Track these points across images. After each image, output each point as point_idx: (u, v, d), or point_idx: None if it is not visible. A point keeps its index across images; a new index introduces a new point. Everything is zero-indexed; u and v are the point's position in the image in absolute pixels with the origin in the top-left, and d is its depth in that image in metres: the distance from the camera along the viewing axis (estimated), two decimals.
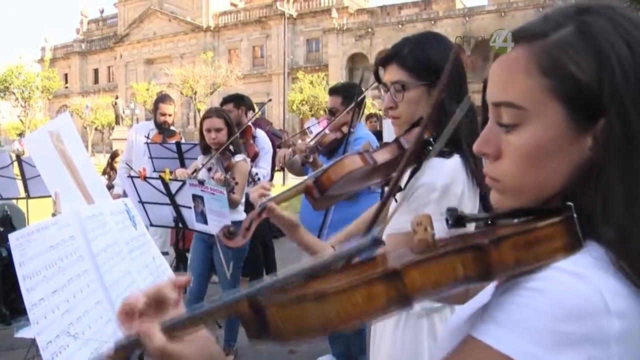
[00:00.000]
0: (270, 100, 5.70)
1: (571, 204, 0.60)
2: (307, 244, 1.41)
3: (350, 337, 3.23)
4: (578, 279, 0.56)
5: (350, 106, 3.18)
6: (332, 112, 3.35)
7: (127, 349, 0.63)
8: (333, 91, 3.46)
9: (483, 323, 0.59)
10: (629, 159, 0.60)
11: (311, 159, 3.07)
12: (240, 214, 3.57)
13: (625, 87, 0.60)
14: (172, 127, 5.00)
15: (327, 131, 3.36)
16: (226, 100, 4.84)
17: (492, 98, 0.69)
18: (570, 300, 0.55)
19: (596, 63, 0.61)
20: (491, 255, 0.58)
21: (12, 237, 1.18)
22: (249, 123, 4.54)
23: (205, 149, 3.55)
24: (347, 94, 3.35)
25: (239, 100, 4.79)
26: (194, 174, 3.38)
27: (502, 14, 34.44)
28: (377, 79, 1.54)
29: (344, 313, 0.57)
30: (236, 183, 3.25)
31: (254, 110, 4.95)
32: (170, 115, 4.94)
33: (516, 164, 0.66)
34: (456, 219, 0.67)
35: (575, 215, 0.59)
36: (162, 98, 5.07)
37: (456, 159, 1.36)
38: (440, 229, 0.67)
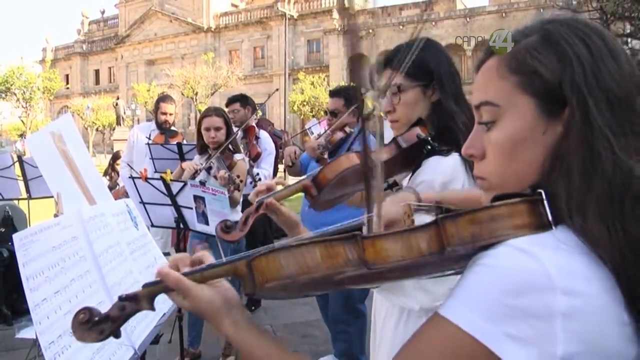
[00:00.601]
0: (277, 90, 5.70)
1: (541, 190, 0.66)
2: None
3: (352, 335, 3.24)
4: (526, 255, 0.61)
5: (352, 107, 3.22)
6: (333, 114, 3.37)
7: (152, 287, 0.75)
8: (334, 93, 3.50)
9: (446, 299, 0.65)
10: (588, 141, 0.66)
11: (326, 155, 3.11)
12: (238, 214, 3.57)
13: (583, 79, 0.67)
14: (173, 128, 5.01)
15: (329, 132, 3.38)
16: (232, 100, 4.84)
17: (474, 102, 0.77)
18: (515, 275, 0.60)
19: (558, 61, 0.69)
20: (447, 230, 0.64)
21: (16, 238, 1.19)
22: (253, 123, 4.54)
23: (202, 149, 3.54)
24: (349, 95, 3.39)
25: (245, 100, 4.80)
26: (196, 174, 3.38)
27: (503, 14, 34.42)
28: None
29: (303, 264, 0.67)
30: (241, 181, 3.25)
31: (255, 110, 4.96)
32: (171, 114, 4.94)
33: (497, 158, 0.74)
34: (443, 212, 0.73)
35: (545, 199, 0.65)
36: (163, 98, 5.09)
37: (455, 157, 1.39)
38: None
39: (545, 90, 0.69)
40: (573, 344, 0.58)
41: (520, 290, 0.59)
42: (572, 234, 0.64)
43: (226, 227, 1.30)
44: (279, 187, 1.35)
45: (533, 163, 0.70)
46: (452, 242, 0.64)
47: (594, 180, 0.64)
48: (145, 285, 0.76)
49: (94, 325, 0.71)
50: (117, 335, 0.74)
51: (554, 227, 0.64)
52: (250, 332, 0.75)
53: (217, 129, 3.42)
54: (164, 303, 1.18)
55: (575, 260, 0.61)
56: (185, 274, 0.75)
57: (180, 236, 3.68)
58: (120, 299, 0.74)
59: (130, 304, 0.74)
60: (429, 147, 1.40)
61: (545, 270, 0.59)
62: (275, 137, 5.26)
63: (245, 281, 0.71)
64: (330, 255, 0.66)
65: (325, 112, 3.64)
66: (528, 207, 0.65)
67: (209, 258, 0.79)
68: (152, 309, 0.76)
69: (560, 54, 0.69)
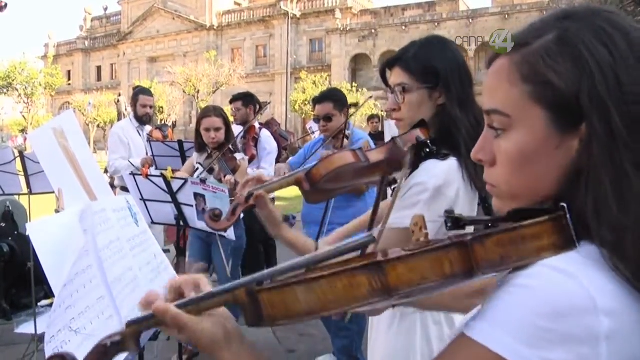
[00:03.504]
0: (269, 102, 5.75)
1: (564, 204, 0.61)
2: (289, 240, 1.41)
3: (354, 332, 3.25)
4: (565, 276, 0.57)
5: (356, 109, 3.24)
6: (327, 118, 3.34)
7: (140, 324, 0.68)
8: (320, 99, 3.45)
9: (474, 321, 0.61)
10: (615, 158, 0.61)
11: None
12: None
13: (606, 89, 0.61)
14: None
15: (331, 139, 3.40)
16: (235, 98, 4.84)
17: (484, 106, 0.71)
18: (555, 297, 0.56)
19: (575, 68, 0.62)
20: (475, 252, 0.61)
21: (30, 227, 1.19)
22: (256, 123, 4.54)
23: (201, 147, 3.54)
24: (336, 97, 3.40)
25: (248, 99, 4.79)
26: (196, 174, 3.39)
27: (506, 16, 34.40)
28: (384, 80, 1.56)
29: (324, 299, 0.61)
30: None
31: (262, 108, 4.95)
32: (151, 107, 4.85)
33: (505, 168, 0.69)
34: (454, 221, 0.69)
35: (568, 215, 0.60)
36: (142, 90, 5.00)
37: (451, 162, 1.38)
38: (433, 230, 0.69)
39: (560, 102, 0.63)
40: None
41: (560, 313, 0.55)
42: (595, 249, 0.61)
43: (215, 215, 1.32)
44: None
45: (545, 177, 0.66)
46: (481, 266, 0.61)
47: (628, 204, 0.60)
48: (130, 323, 0.67)
49: None
50: None
51: (577, 244, 0.61)
52: None
53: (217, 129, 3.42)
54: None
55: (605, 278, 0.58)
56: (180, 305, 0.68)
57: (180, 234, 3.68)
58: (101, 343, 0.66)
59: (113, 348, 0.66)
60: (427, 150, 1.40)
61: (586, 291, 0.56)
62: (281, 138, 5.26)
63: (247, 311, 0.65)
64: (352, 286, 0.61)
65: (316, 119, 3.53)
66: (554, 225, 0.61)
67: (205, 284, 0.73)
68: (138, 349, 0.69)
69: (578, 60, 0.62)
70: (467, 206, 1.41)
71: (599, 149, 0.61)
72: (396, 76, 1.48)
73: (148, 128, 4.95)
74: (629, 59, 0.62)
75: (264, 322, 0.64)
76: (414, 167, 1.42)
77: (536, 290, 0.57)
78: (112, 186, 4.94)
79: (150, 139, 4.62)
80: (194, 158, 3.63)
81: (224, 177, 3.33)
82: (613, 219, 0.60)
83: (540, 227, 0.61)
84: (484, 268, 0.61)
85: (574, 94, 0.62)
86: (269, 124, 5.15)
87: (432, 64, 1.44)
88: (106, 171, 6.40)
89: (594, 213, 0.61)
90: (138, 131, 4.81)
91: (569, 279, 0.57)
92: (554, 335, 0.55)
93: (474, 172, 1.36)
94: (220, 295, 0.67)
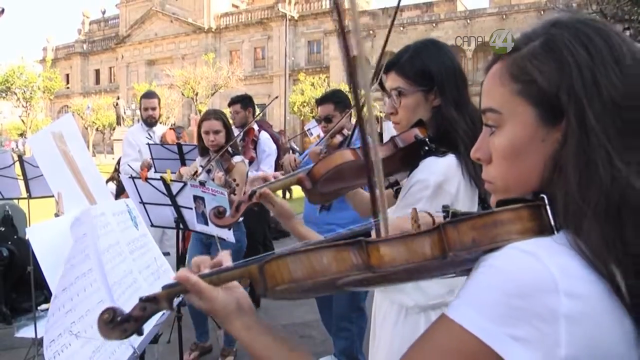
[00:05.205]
0: (277, 97, 5.76)
1: (543, 195, 0.67)
2: (301, 234, 1.44)
3: (354, 333, 3.25)
4: (530, 256, 0.61)
5: (348, 111, 3.26)
6: (327, 119, 3.40)
7: (170, 289, 0.79)
8: (322, 100, 3.51)
9: (453, 300, 0.66)
10: (587, 152, 0.65)
11: None
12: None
13: (582, 86, 0.66)
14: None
15: (328, 137, 3.41)
16: (234, 100, 4.85)
17: (482, 105, 0.78)
18: (519, 275, 0.60)
19: (557, 69, 0.68)
20: (449, 235, 0.67)
21: (29, 231, 1.19)
22: (255, 125, 4.54)
23: (203, 151, 3.58)
24: (338, 99, 3.44)
25: (247, 102, 4.80)
26: (195, 176, 3.39)
27: (504, 16, 34.42)
28: (381, 85, 1.58)
29: (311, 269, 0.69)
30: (237, 185, 3.26)
31: (255, 111, 4.96)
32: (154, 108, 4.90)
33: (500, 163, 0.75)
34: (451, 215, 0.74)
35: (547, 204, 0.66)
36: (144, 94, 5.09)
37: (451, 159, 1.41)
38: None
39: (544, 99, 0.69)
40: (576, 347, 0.58)
41: (524, 292, 0.59)
42: (567, 236, 0.64)
43: (219, 212, 1.35)
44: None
45: (533, 170, 0.71)
46: (453, 247, 0.66)
47: (590, 191, 0.64)
48: (164, 287, 0.80)
49: (118, 324, 0.75)
50: (140, 333, 0.78)
51: (556, 232, 0.65)
52: (260, 336, 0.79)
53: (216, 132, 3.46)
54: None
55: (576, 263, 0.61)
56: (202, 276, 0.78)
57: (180, 237, 3.68)
58: (141, 300, 0.78)
59: (150, 305, 0.78)
60: (427, 148, 1.42)
61: (548, 272, 0.59)
62: (274, 138, 5.27)
63: (257, 284, 0.74)
64: (337, 260, 0.68)
65: (318, 120, 3.59)
66: (530, 212, 0.66)
67: (228, 260, 0.82)
68: (172, 308, 0.81)
69: (559, 61, 0.68)
70: (467, 202, 1.43)
71: (572, 143, 0.67)
72: (392, 81, 1.51)
73: (160, 131, 4.97)
74: (607, 61, 0.67)
75: (268, 291, 0.73)
76: (414, 165, 1.44)
77: (502, 269, 0.62)
78: (122, 189, 4.98)
79: (162, 141, 4.64)
80: (198, 162, 3.65)
81: (214, 173, 3.34)
82: (576, 212, 0.65)
83: (514, 214, 0.66)
84: (457, 250, 0.66)
85: (555, 91, 0.68)
86: (262, 126, 5.16)
87: (426, 68, 1.47)
88: (111, 179, 6.41)
89: (563, 204, 0.66)
90: (149, 134, 4.85)
91: (532, 259, 0.60)
92: (517, 311, 0.59)
93: (472, 169, 1.38)
94: (237, 269, 0.77)
